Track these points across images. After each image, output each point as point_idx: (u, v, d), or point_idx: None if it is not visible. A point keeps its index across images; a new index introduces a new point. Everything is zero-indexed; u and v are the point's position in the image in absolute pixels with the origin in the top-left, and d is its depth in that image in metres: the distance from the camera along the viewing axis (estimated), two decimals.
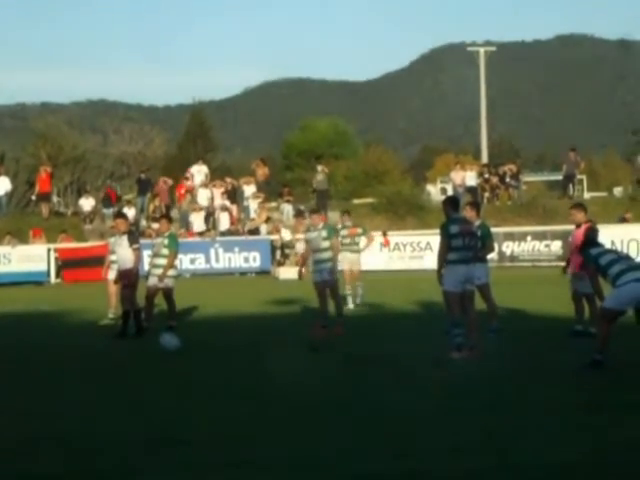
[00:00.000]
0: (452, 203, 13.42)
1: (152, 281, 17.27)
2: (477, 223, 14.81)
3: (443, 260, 12.69)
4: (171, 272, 17.37)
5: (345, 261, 21.09)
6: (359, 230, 21.83)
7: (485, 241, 14.85)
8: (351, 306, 20.72)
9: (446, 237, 12.69)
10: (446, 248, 12.66)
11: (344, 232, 21.30)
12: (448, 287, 12.66)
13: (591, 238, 12.06)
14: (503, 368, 11.60)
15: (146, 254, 22.63)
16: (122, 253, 17.07)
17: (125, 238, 17.05)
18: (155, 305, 17.79)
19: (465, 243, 12.76)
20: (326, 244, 16.25)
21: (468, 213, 14.89)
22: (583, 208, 15.02)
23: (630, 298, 11.05)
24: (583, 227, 14.57)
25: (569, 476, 6.57)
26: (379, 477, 6.69)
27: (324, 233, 16.33)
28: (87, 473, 7.06)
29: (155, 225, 28.47)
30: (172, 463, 7.25)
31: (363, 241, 21.98)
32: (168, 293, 17.28)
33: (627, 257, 11.83)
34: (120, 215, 18.64)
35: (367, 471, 6.85)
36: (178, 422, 8.85)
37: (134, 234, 17.91)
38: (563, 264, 15.45)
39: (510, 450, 7.34)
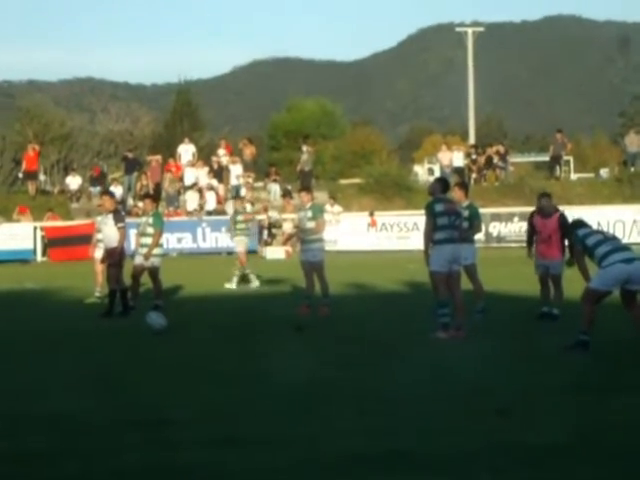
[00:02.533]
0: (442, 184, 13.40)
1: (138, 260, 17.25)
2: (465, 204, 14.82)
3: (430, 240, 12.69)
4: (157, 251, 17.34)
5: (241, 244, 22.00)
6: (255, 216, 22.66)
7: (473, 222, 14.86)
8: (257, 283, 21.60)
9: (432, 216, 12.69)
10: (432, 227, 12.66)
11: (240, 217, 22.36)
12: (435, 267, 12.66)
13: (578, 220, 12.07)
14: (489, 349, 11.61)
15: (132, 233, 22.57)
16: (108, 232, 17.03)
17: (111, 217, 17.00)
18: (141, 284, 17.76)
19: (451, 222, 12.76)
20: (311, 224, 16.19)
21: (456, 193, 14.90)
22: (548, 197, 15.27)
23: (615, 279, 11.08)
24: (555, 216, 14.69)
25: (554, 457, 6.58)
26: (363, 456, 6.69)
27: (309, 213, 16.28)
28: (70, 452, 7.03)
29: (141, 204, 28.44)
30: (156, 442, 7.23)
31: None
32: (154, 272, 17.25)
33: (613, 238, 11.85)
34: (106, 193, 18.60)
35: (351, 450, 6.85)
36: (163, 401, 8.83)
37: (120, 213, 17.85)
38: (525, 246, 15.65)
39: (495, 431, 7.35)
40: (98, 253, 18.91)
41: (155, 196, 21.79)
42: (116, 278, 16.70)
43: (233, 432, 7.50)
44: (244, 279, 21.79)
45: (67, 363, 11.45)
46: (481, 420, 7.74)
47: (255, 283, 21.73)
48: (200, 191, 38.18)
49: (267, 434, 7.40)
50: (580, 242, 11.52)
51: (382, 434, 7.32)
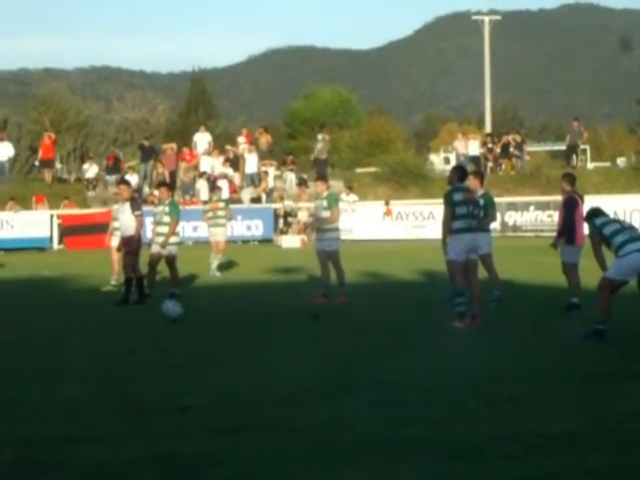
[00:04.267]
0: (459, 172, 13.39)
1: (155, 248, 17.29)
2: (480, 192, 14.80)
3: (448, 229, 12.67)
4: (174, 239, 17.40)
5: (210, 234, 23.08)
6: (220, 205, 23.29)
7: (488, 210, 14.83)
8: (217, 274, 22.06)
9: (450, 205, 12.67)
10: (450, 216, 12.64)
11: (207, 207, 23.76)
12: (452, 256, 12.64)
13: (595, 208, 12.02)
14: (505, 338, 11.61)
15: (149, 221, 22.64)
16: (125, 220, 17.07)
17: (128, 205, 17.05)
18: (158, 272, 17.82)
19: (469, 211, 12.74)
20: (326, 214, 16.18)
21: (472, 182, 14.88)
22: (568, 177, 15.01)
23: (632, 268, 11.06)
24: (564, 197, 14.62)
25: (569, 445, 6.58)
26: (379, 442, 6.71)
27: (325, 203, 16.27)
28: (84, 439, 7.07)
29: (157, 192, 28.45)
30: (172, 429, 7.27)
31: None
32: (171, 260, 17.31)
33: (631, 227, 11.82)
34: (123, 182, 18.63)
35: (367, 436, 6.88)
36: (178, 389, 8.87)
37: (137, 201, 17.92)
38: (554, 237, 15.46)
39: (509, 420, 7.36)
40: (115, 241, 18.98)
41: (170, 185, 21.86)
42: (132, 266, 16.75)
43: (246, 420, 7.53)
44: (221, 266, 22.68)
45: (84, 351, 11.51)
46: (495, 408, 7.75)
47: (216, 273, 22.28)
48: (209, 180, 37.99)
49: (283, 422, 7.43)
50: (597, 231, 11.49)
51: (396, 422, 7.34)
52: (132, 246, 16.79)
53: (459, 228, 12.63)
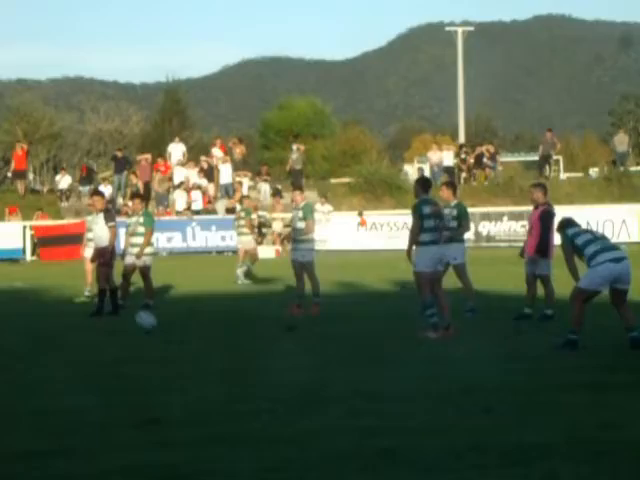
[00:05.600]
0: (423, 184, 13.45)
1: (129, 259, 17.28)
2: (453, 203, 14.87)
3: (415, 240, 12.73)
4: (148, 250, 17.40)
5: (237, 243, 23.86)
6: (242, 214, 23.50)
7: (462, 221, 14.89)
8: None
9: (419, 218, 12.73)
10: (419, 229, 12.70)
11: (234, 216, 24.83)
12: (421, 268, 12.68)
13: (567, 219, 12.08)
14: (478, 348, 11.64)
15: (122, 232, 22.57)
16: (98, 231, 17.02)
17: (101, 216, 17.00)
18: (132, 283, 17.75)
19: (436, 224, 12.83)
20: (301, 224, 16.18)
21: (444, 193, 14.95)
22: (542, 188, 15.05)
23: (604, 278, 11.11)
24: (540, 209, 14.63)
25: (541, 456, 6.60)
26: (353, 453, 6.71)
27: (300, 213, 16.26)
28: (60, 452, 7.03)
29: (130, 203, 28.35)
30: (146, 442, 7.24)
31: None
32: (145, 271, 17.29)
33: (603, 237, 11.88)
34: (96, 193, 18.59)
35: (342, 448, 6.88)
36: (152, 400, 8.84)
37: (110, 212, 17.87)
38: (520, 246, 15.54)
39: (484, 430, 7.37)
40: (88, 252, 18.90)
41: (144, 195, 21.75)
42: (106, 277, 16.68)
43: (221, 431, 7.52)
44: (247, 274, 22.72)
45: (57, 362, 11.44)
46: (470, 419, 7.77)
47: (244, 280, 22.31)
48: (187, 190, 38.01)
49: (254, 433, 7.42)
50: (569, 241, 11.55)
51: (370, 433, 7.34)
52: (106, 257, 16.72)
53: (426, 240, 12.69)
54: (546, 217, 14.37)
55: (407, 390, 9.08)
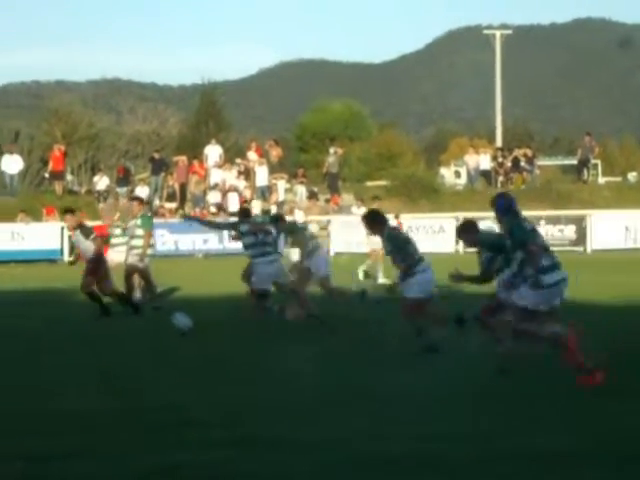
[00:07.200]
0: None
1: (130, 261, 17.54)
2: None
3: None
4: (140, 251, 17.56)
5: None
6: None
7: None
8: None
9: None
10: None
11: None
12: (417, 294, 11.91)
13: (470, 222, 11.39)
14: (494, 354, 11.50)
15: (158, 233, 22.68)
16: (82, 247, 17.04)
17: (78, 233, 16.94)
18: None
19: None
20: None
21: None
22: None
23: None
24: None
25: (555, 463, 6.52)
26: (378, 458, 6.69)
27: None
28: (87, 453, 7.05)
29: (167, 205, 28.50)
30: (172, 443, 7.25)
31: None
32: (145, 273, 17.48)
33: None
34: (67, 211, 17.91)
35: (366, 453, 6.86)
36: (179, 402, 8.86)
37: (85, 226, 17.62)
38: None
39: (508, 437, 7.31)
40: (114, 255, 19.16)
41: (142, 198, 21.47)
42: (88, 285, 16.66)
43: (245, 433, 7.53)
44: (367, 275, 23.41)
45: (90, 362, 11.54)
46: (483, 426, 7.70)
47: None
48: (223, 192, 38.09)
49: (280, 436, 7.42)
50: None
51: (381, 437, 7.33)
52: (100, 268, 16.71)
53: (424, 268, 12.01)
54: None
55: (420, 396, 9.04)
